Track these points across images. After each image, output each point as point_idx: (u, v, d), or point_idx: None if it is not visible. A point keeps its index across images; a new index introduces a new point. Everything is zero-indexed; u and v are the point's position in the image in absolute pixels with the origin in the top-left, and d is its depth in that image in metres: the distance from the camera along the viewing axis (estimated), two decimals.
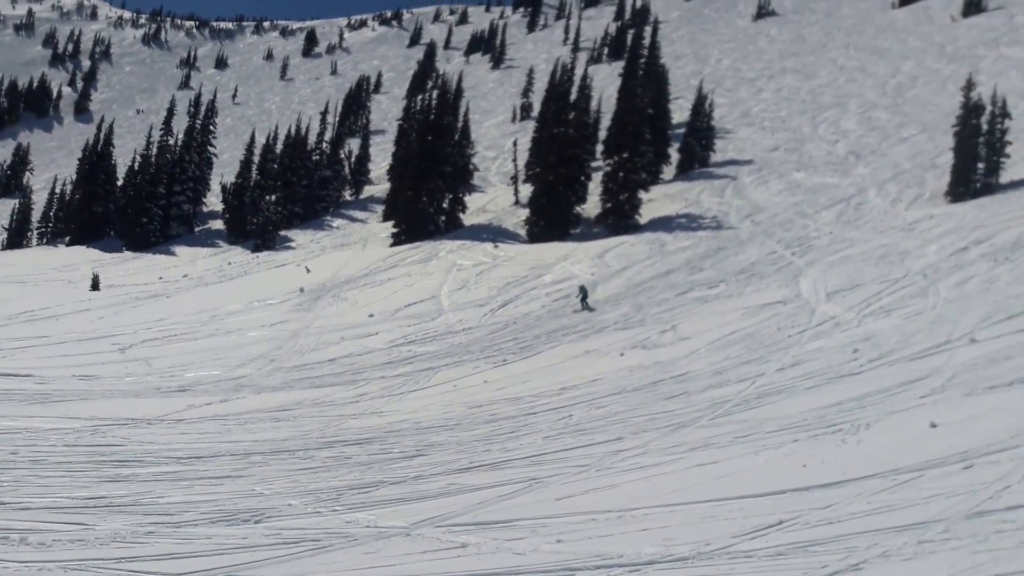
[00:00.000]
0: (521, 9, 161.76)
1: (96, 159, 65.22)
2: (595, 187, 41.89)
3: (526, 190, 45.92)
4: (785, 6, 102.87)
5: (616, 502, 11.59)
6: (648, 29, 64.98)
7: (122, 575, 9.79)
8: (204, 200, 65.63)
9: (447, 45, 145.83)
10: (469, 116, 55.83)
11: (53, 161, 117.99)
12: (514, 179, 50.66)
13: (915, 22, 75.60)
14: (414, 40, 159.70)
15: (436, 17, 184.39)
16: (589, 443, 14.59)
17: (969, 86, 32.21)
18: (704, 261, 29.77)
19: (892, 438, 12.34)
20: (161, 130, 64.60)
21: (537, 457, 14.10)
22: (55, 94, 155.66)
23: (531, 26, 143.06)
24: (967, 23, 68.93)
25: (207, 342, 28.01)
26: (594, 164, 46.23)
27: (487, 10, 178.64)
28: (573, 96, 44.81)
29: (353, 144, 69.47)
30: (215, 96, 69.48)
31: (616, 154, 40.52)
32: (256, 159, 62.71)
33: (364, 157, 65.26)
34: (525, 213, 42.75)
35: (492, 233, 42.33)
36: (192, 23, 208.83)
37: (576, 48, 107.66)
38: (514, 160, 51.67)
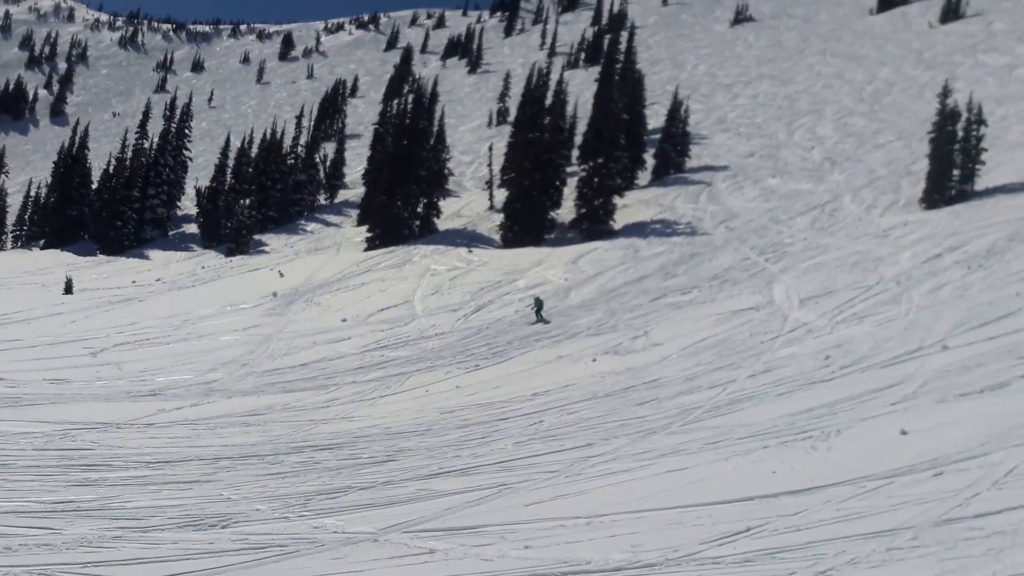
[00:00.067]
0: (498, 13, 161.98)
1: (71, 162, 64.51)
2: (570, 192, 41.90)
3: (501, 195, 45.90)
4: (763, 12, 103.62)
5: (585, 508, 11.53)
6: (625, 34, 65.21)
7: None
8: (178, 204, 65.09)
9: (424, 49, 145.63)
10: (445, 120, 55.77)
11: (29, 164, 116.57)
12: (489, 184, 50.59)
13: (893, 28, 76.32)
14: (391, 44, 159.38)
15: (413, 21, 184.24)
16: (559, 449, 14.52)
17: (945, 93, 32.43)
18: (678, 267, 29.81)
19: (862, 445, 12.36)
20: (136, 133, 64.02)
21: (507, 463, 14.01)
22: (31, 96, 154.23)
23: (508, 31, 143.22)
24: (945, 29, 69.69)
25: (179, 346, 27.73)
26: (569, 169, 46.29)
27: (464, 14, 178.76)
28: (548, 101, 44.85)
29: (328, 148, 69.18)
30: (191, 99, 68.96)
31: (591, 159, 40.56)
32: (231, 163, 62.29)
33: (339, 161, 64.97)
34: (500, 218, 42.69)
35: (466, 238, 42.21)
36: (169, 26, 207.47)
37: (553, 53, 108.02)
38: (489, 165, 51.61)
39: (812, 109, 55.53)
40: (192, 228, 59.50)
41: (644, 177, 48.59)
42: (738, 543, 9.78)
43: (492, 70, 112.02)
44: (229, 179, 60.33)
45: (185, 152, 66.02)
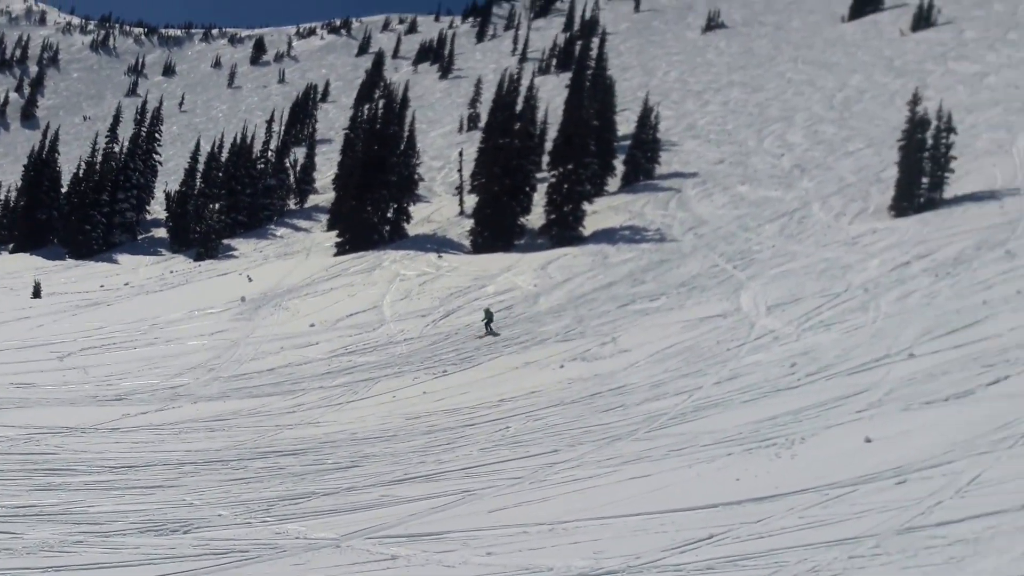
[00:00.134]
0: (470, 19, 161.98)
1: (41, 166, 63.55)
2: (540, 198, 41.89)
3: (471, 200, 45.76)
4: (735, 19, 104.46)
5: (548, 515, 11.48)
6: (596, 40, 65.41)
7: None
8: (148, 208, 64.40)
9: (396, 54, 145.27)
10: (416, 126, 55.54)
11: None
12: (459, 189, 50.48)
13: (864, 36, 77.16)
14: (362, 49, 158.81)
15: (385, 26, 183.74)
16: (525, 455, 14.47)
17: (915, 100, 32.68)
18: (646, 274, 29.88)
19: (826, 452, 12.40)
20: (107, 137, 63.22)
21: (472, 469, 13.94)
22: (2, 100, 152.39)
23: (480, 36, 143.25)
24: (916, 37, 70.56)
25: (146, 351, 27.49)
26: (540, 175, 46.28)
27: (436, 19, 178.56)
28: (519, 107, 44.82)
29: (299, 153, 68.70)
30: (161, 103, 68.25)
31: (561, 165, 40.56)
32: (201, 167, 61.72)
33: (309, 166, 64.55)
34: (470, 223, 42.59)
35: (436, 243, 42.08)
36: (141, 30, 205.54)
37: (524, 59, 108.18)
38: (460, 170, 51.51)
39: (782, 116, 56.01)
40: (161, 232, 58.90)
41: (614, 183, 48.71)
42: (700, 550, 9.75)
43: (464, 76, 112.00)
44: (199, 183, 59.78)
45: (155, 156, 65.26)
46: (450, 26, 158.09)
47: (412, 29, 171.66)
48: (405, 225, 45.16)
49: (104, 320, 32.28)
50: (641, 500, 11.70)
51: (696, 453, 13.27)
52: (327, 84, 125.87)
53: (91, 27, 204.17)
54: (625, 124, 56.40)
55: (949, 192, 31.24)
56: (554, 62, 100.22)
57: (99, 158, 61.07)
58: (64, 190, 63.41)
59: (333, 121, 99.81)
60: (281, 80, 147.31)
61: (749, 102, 63.10)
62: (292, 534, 11.41)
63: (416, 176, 49.49)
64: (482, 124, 63.93)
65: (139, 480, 14.13)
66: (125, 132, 66.83)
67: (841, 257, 26.42)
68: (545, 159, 51.45)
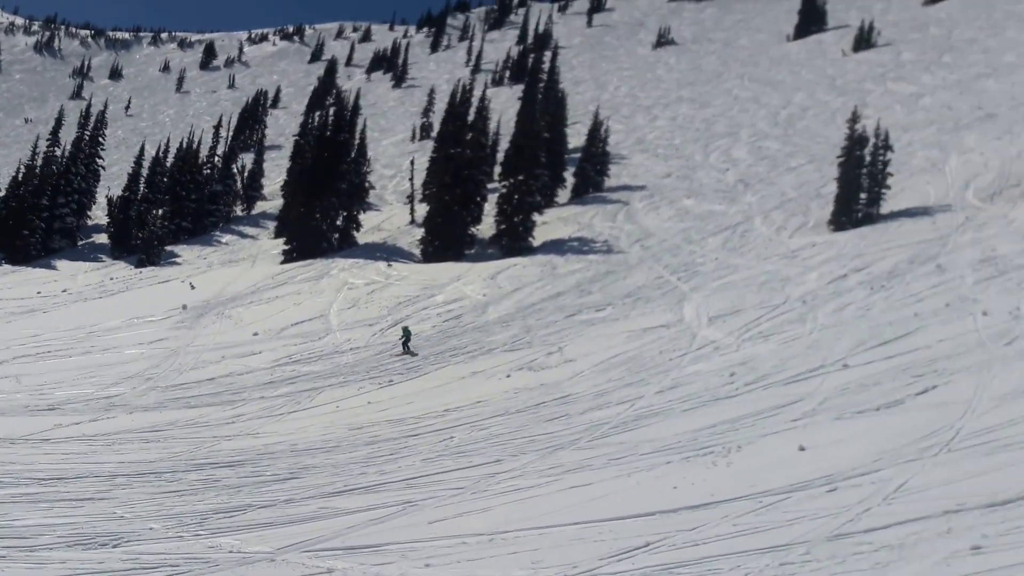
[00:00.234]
0: (425, 29, 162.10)
1: None
2: (491, 208, 41.96)
3: (422, 209, 45.65)
4: (684, 36, 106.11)
5: (488, 525, 11.49)
6: (549, 54, 65.85)
7: None
8: (89, 213, 62.82)
9: (349, 62, 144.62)
10: (368, 134, 55.26)
11: None
12: (410, 198, 50.33)
13: (808, 55, 78.94)
14: (315, 56, 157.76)
15: (339, 34, 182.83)
16: (468, 465, 14.46)
17: (854, 119, 33.50)
18: (593, 284, 30.10)
19: (761, 461, 12.63)
20: (48, 140, 61.63)
21: (414, 480, 13.88)
22: None
23: (435, 46, 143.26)
24: (857, 58, 72.41)
25: (82, 359, 26.80)
26: (491, 186, 46.38)
27: (391, 29, 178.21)
28: (471, 117, 44.90)
29: (247, 159, 67.86)
30: (106, 107, 66.95)
31: (512, 176, 40.71)
32: (145, 172, 60.50)
33: (258, 172, 63.76)
34: (420, 232, 42.45)
35: (386, 252, 41.85)
36: (87, 32, 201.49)
37: (478, 70, 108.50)
38: (411, 179, 51.36)
39: (728, 132, 56.98)
40: (102, 238, 57.54)
41: (564, 195, 49.03)
42: (636, 558, 9.86)
43: (417, 85, 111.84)
44: (142, 189, 58.54)
45: (98, 161, 63.89)
46: (404, 35, 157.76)
47: (366, 37, 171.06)
48: (355, 233, 44.84)
49: (40, 328, 31.38)
50: (581, 509, 11.78)
51: (636, 462, 13.40)
52: (278, 90, 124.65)
53: (35, 28, 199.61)
54: (576, 137, 56.84)
55: (885, 208, 32.06)
56: (507, 74, 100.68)
57: (39, 162, 59.48)
58: (2, 194, 61.68)
59: (284, 127, 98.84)
60: (231, 85, 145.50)
61: (696, 118, 64.10)
62: (226, 548, 11.24)
63: (367, 184, 49.16)
64: (435, 134, 63.87)
65: (68, 492, 13.78)
66: (68, 136, 65.33)
67: (781, 270, 26.93)
68: (497, 170, 51.64)
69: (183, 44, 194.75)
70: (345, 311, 31.12)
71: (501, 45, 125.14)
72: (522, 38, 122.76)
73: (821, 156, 44.29)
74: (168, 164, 59.98)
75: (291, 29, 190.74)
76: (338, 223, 44.06)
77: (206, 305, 33.59)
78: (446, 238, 40.44)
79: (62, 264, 50.69)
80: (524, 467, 13.96)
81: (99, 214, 63.50)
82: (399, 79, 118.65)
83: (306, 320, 30.15)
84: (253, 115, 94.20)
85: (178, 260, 48.14)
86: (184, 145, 60.20)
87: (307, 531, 11.72)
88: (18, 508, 12.78)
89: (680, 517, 10.91)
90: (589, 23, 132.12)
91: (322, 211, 43.15)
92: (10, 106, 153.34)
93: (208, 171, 59.28)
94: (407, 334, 25.69)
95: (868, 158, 32.61)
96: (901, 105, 52.19)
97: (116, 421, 19.66)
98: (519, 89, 71.68)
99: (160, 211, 52.73)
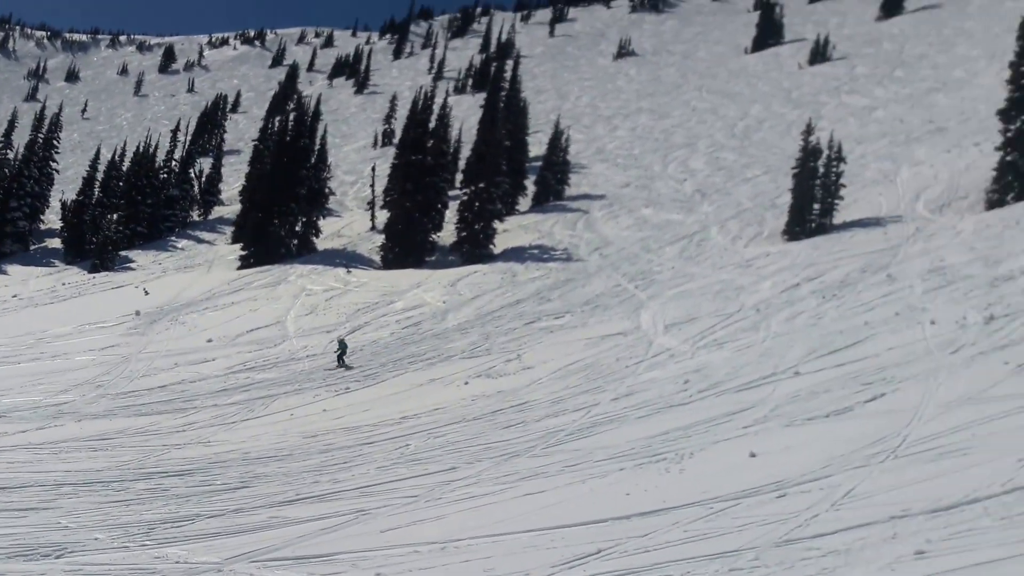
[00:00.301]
0: (388, 36, 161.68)
1: None
2: (452, 215, 41.94)
3: (383, 216, 45.45)
4: (645, 47, 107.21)
5: (442, 533, 11.42)
6: (511, 63, 66.05)
7: None
8: (42, 217, 61.49)
9: (311, 67, 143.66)
10: (329, 139, 54.92)
11: None
12: (371, 205, 50.10)
13: (765, 68, 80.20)
14: (277, 61, 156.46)
15: (301, 39, 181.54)
16: (423, 473, 14.37)
17: (808, 131, 34.11)
18: (553, 292, 30.19)
19: (713, 467, 12.72)
20: (0, 143, 60.27)
21: (368, 488, 13.76)
22: None
23: (397, 53, 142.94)
24: (812, 71, 73.76)
25: (30, 366, 26.23)
26: (453, 193, 46.35)
27: (353, 35, 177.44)
28: (433, 124, 44.85)
29: (205, 163, 67.05)
30: (61, 109, 65.63)
31: (473, 184, 40.74)
32: (100, 176, 59.49)
33: (216, 177, 63.06)
34: (381, 239, 42.27)
35: (346, 258, 41.57)
36: (43, 33, 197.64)
37: (440, 77, 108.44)
38: (372, 185, 51.15)
39: (686, 143, 57.64)
40: (55, 243, 56.44)
41: (525, 203, 49.22)
42: (588, 565, 9.87)
43: (379, 91, 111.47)
44: (97, 193, 57.57)
45: (52, 164, 62.56)
46: (367, 42, 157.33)
47: (328, 43, 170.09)
48: (314, 239, 44.48)
49: None
50: (535, 516, 11.76)
51: (590, 468, 13.43)
52: (238, 95, 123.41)
53: None
54: (537, 146, 57.11)
55: (838, 218, 32.66)
56: (470, 82, 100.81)
57: None
58: None
59: (243, 132, 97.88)
60: (190, 89, 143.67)
61: (656, 128, 64.76)
62: (172, 558, 11.04)
63: (327, 190, 48.80)
64: (396, 140, 63.70)
65: (11, 502, 13.45)
66: (21, 138, 64.07)
67: (736, 279, 27.24)
68: (458, 177, 51.65)
69: (142, 47, 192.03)
70: (302, 318, 30.85)
71: (464, 53, 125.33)
72: (485, 47, 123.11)
73: (776, 167, 44.97)
74: (124, 168, 59.06)
75: (252, 33, 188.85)
76: (297, 229, 43.69)
77: (160, 311, 33.08)
78: (407, 245, 40.30)
79: (13, 269, 49.60)
80: (479, 474, 13.92)
81: (52, 218, 62.27)
82: (361, 85, 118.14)
83: (262, 327, 29.82)
84: (212, 119, 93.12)
85: (132, 265, 47.38)
86: (141, 149, 59.30)
87: (256, 541, 11.55)
88: None
89: (632, 523, 10.94)
90: (551, 33, 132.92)
91: (281, 216, 42.76)
92: None
93: (165, 175, 58.49)
94: (343, 347, 24.94)
95: (822, 170, 33.20)
96: (855, 118, 53.23)
97: (64, 429, 19.28)
98: (481, 97, 71.79)
99: (115, 216, 51.90)
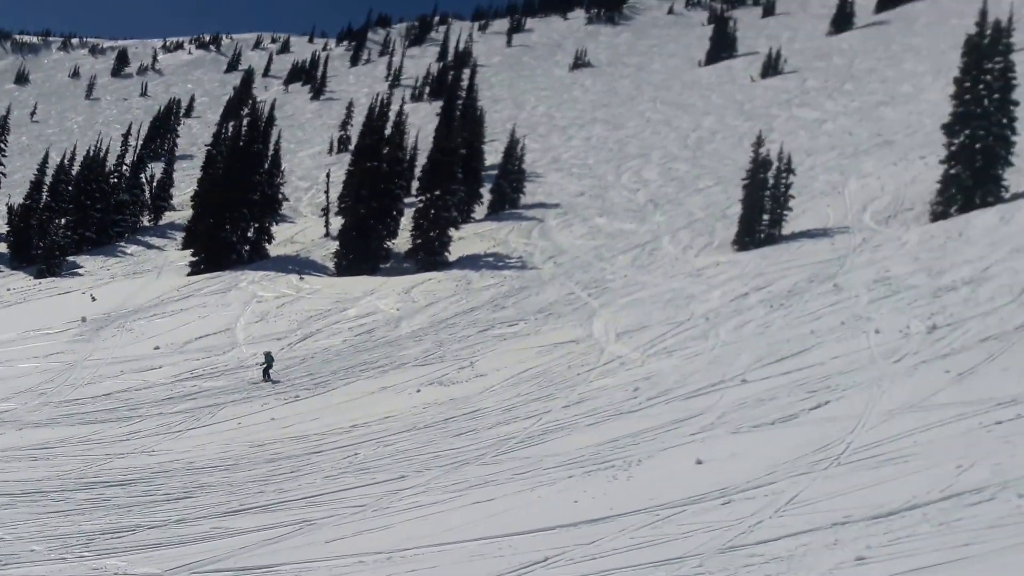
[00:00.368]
0: (345, 43, 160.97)
1: None
2: (408, 223, 41.78)
3: (338, 222, 45.11)
4: (600, 59, 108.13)
5: (388, 543, 11.29)
6: (468, 72, 66.21)
7: None
8: None
9: (266, 73, 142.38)
10: (284, 145, 54.43)
11: None
12: (325, 211, 49.71)
13: (718, 80, 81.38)
14: (232, 66, 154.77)
15: (257, 44, 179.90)
16: (371, 482, 14.22)
17: (759, 143, 34.63)
18: (507, 299, 30.20)
19: (660, 474, 12.78)
20: None
21: (314, 498, 13.57)
22: None
23: (354, 60, 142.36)
24: (765, 84, 75.04)
25: None
26: (409, 200, 46.20)
27: (310, 41, 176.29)
28: (389, 131, 44.69)
29: (156, 168, 66.01)
30: (9, 112, 64.19)
31: (429, 191, 40.65)
32: (49, 180, 58.24)
33: (167, 182, 62.12)
34: (335, 245, 41.95)
35: (299, 265, 41.16)
36: None
37: (398, 84, 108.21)
38: (326, 192, 50.78)
39: (640, 153, 58.21)
40: (1, 248, 55.14)
41: (481, 211, 49.29)
42: (535, 573, 9.84)
43: (336, 98, 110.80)
44: (45, 197, 56.42)
45: None
46: (324, 48, 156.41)
47: (285, 49, 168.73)
48: (267, 245, 43.98)
49: None
50: (483, 525, 11.70)
51: (539, 476, 13.41)
52: (192, 99, 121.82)
53: None
54: (493, 154, 57.19)
55: (787, 229, 33.19)
56: (427, 90, 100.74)
57: None
58: None
59: (196, 137, 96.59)
60: (144, 93, 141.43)
61: (610, 139, 65.31)
62: (111, 570, 10.80)
63: (280, 195, 48.34)
64: (352, 147, 63.37)
65: None
66: None
67: (686, 288, 27.50)
68: (414, 184, 51.53)
69: (95, 50, 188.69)
70: (252, 325, 30.42)
71: (421, 61, 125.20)
72: (442, 55, 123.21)
73: (728, 178, 45.58)
74: (74, 172, 57.98)
75: (207, 38, 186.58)
76: (249, 235, 43.17)
77: (107, 318, 32.39)
78: (361, 251, 40.05)
79: None
80: (428, 483, 13.81)
81: None
82: (318, 91, 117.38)
83: (211, 334, 29.34)
84: (165, 124, 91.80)
85: (80, 271, 46.46)
86: (91, 153, 58.24)
87: (198, 552, 11.33)
88: None
89: (580, 531, 10.94)
90: (509, 43, 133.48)
91: (232, 222, 42.20)
92: None
93: (115, 180, 57.52)
94: (269, 360, 23.90)
95: (772, 181, 33.72)
96: (805, 130, 54.23)
97: (4, 438, 18.75)
98: (438, 105, 71.67)
99: (63, 220, 50.97)
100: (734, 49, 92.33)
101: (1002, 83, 30.10)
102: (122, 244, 52.97)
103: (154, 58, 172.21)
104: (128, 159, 60.69)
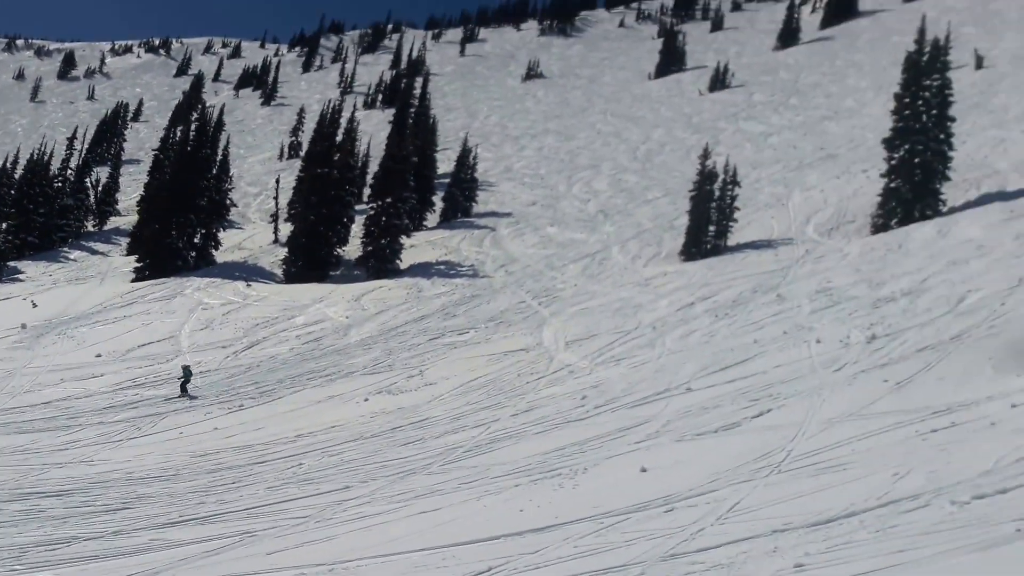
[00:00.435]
0: (297, 49, 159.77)
1: None
2: (358, 230, 41.53)
3: (287, 229, 44.65)
4: (553, 70, 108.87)
5: (330, 555, 11.15)
6: (421, 80, 66.16)
7: None
8: None
9: (217, 77, 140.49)
10: (233, 150, 53.80)
11: None
12: (275, 217, 49.17)
13: (668, 93, 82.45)
14: (182, 70, 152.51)
15: (207, 48, 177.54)
16: (315, 493, 14.04)
17: (705, 155, 35.20)
18: (458, 308, 30.17)
19: (605, 482, 12.83)
20: None
21: (256, 509, 13.35)
22: None
23: (307, 66, 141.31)
24: (712, 97, 76.22)
25: None
26: (360, 207, 45.94)
27: (262, 46, 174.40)
28: (340, 138, 44.44)
29: (102, 172, 64.70)
30: None
31: (380, 198, 40.47)
32: None
33: (113, 187, 60.98)
34: (284, 252, 41.51)
35: (246, 271, 40.61)
36: None
37: (350, 91, 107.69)
38: (276, 198, 50.24)
39: (591, 164, 58.73)
40: None
41: (433, 219, 49.24)
42: None
43: (287, 104, 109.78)
44: None
45: None
46: (276, 54, 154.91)
47: (236, 54, 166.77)
48: (213, 252, 43.35)
49: None
50: (428, 535, 11.62)
51: (486, 485, 13.38)
52: (140, 103, 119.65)
53: None
54: (446, 162, 57.20)
55: (732, 240, 33.77)
56: (380, 97, 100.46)
57: None
58: None
59: (144, 141, 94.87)
60: (91, 97, 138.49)
61: (562, 149, 65.79)
62: None
63: (228, 201, 47.71)
64: (303, 153, 62.84)
65: None
66: None
67: (635, 297, 27.76)
68: (366, 191, 51.19)
69: (40, 52, 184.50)
70: (197, 332, 29.93)
71: (374, 69, 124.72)
72: (395, 63, 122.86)
73: (676, 190, 46.17)
74: (16, 176, 56.61)
75: (157, 42, 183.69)
76: (196, 240, 42.52)
77: (48, 324, 31.59)
78: (311, 258, 39.68)
79: None
80: (373, 493, 13.69)
81: None
82: (269, 97, 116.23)
83: (154, 341, 28.81)
84: (112, 128, 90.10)
85: (21, 276, 45.26)
86: (35, 156, 56.89)
87: (135, 564, 11.06)
88: None
89: (524, 540, 10.93)
90: (462, 52, 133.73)
91: (179, 228, 41.52)
92: None
93: (59, 184, 56.29)
94: (187, 374, 23.21)
95: (718, 193, 34.30)
96: (751, 143, 55.20)
97: None
98: (391, 113, 71.66)
99: (4, 225, 49.75)
100: (683, 63, 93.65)
101: (939, 99, 30.98)
102: (65, 249, 51.77)
103: (102, 61, 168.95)
104: (73, 163, 59.56)
